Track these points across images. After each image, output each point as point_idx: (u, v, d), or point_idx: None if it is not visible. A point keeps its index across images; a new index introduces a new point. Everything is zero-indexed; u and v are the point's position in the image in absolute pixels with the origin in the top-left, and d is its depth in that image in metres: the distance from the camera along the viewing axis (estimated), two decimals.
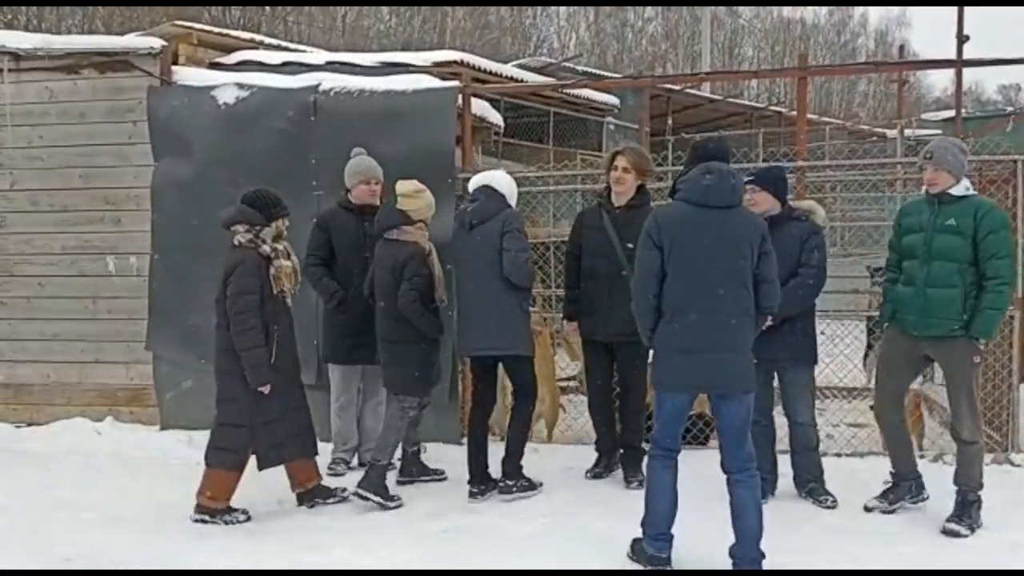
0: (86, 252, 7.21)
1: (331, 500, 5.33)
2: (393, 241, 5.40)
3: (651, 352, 4.37)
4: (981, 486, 4.82)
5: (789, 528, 4.79)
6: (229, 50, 8.06)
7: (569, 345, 6.87)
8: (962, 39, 8.57)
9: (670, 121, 17.20)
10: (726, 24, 46.74)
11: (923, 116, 23.03)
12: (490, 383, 5.62)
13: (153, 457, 6.39)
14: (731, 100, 20.55)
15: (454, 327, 5.69)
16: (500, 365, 5.63)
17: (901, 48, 22.87)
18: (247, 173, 6.60)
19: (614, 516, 4.76)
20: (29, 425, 7.18)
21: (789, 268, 5.08)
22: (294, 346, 5.25)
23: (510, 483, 5.43)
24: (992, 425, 6.26)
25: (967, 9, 8.51)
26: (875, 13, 56.50)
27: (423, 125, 6.52)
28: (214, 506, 5.06)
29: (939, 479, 5.03)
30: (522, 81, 12.07)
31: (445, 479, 5.80)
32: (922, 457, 5.56)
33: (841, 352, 7.48)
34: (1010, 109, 20.04)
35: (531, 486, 5.48)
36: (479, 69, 10.57)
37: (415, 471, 5.83)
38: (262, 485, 5.68)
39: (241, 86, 6.91)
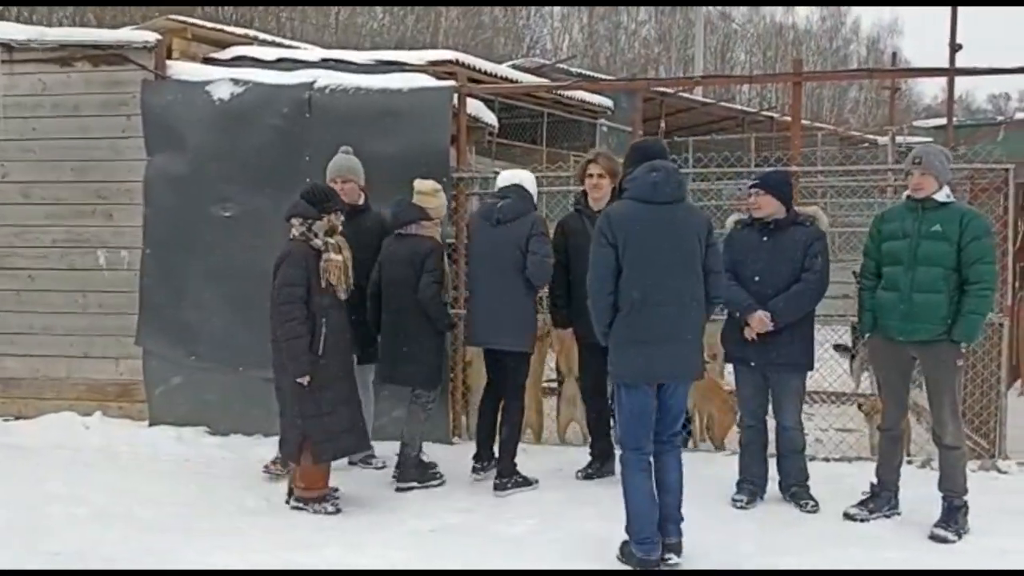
0: (77, 246, 7.17)
1: (322, 511, 5.17)
2: (411, 236, 5.53)
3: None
4: (966, 491, 4.85)
5: (777, 530, 4.84)
6: (223, 45, 8.05)
7: (564, 351, 6.78)
8: (955, 47, 8.63)
9: (663, 124, 17.25)
10: (719, 28, 46.86)
11: (915, 123, 23.14)
12: (502, 373, 5.71)
13: (142, 453, 6.35)
14: (723, 104, 20.62)
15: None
16: None
17: (894, 55, 22.93)
18: (241, 169, 6.60)
19: (604, 517, 4.77)
20: (17, 419, 7.13)
21: (792, 273, 5.11)
22: (347, 340, 5.26)
23: (505, 480, 5.52)
24: (980, 432, 6.30)
25: (959, 19, 8.57)
26: (867, 20, 56.82)
27: (419, 124, 6.52)
28: (309, 495, 5.16)
29: (926, 485, 5.06)
30: (517, 82, 12.08)
31: (443, 483, 5.72)
32: (910, 463, 5.59)
33: (831, 357, 7.51)
34: (1000, 118, 20.16)
35: (526, 482, 5.57)
36: (474, 69, 10.60)
37: (415, 477, 5.67)
38: (249, 483, 5.69)
39: (236, 82, 6.88)
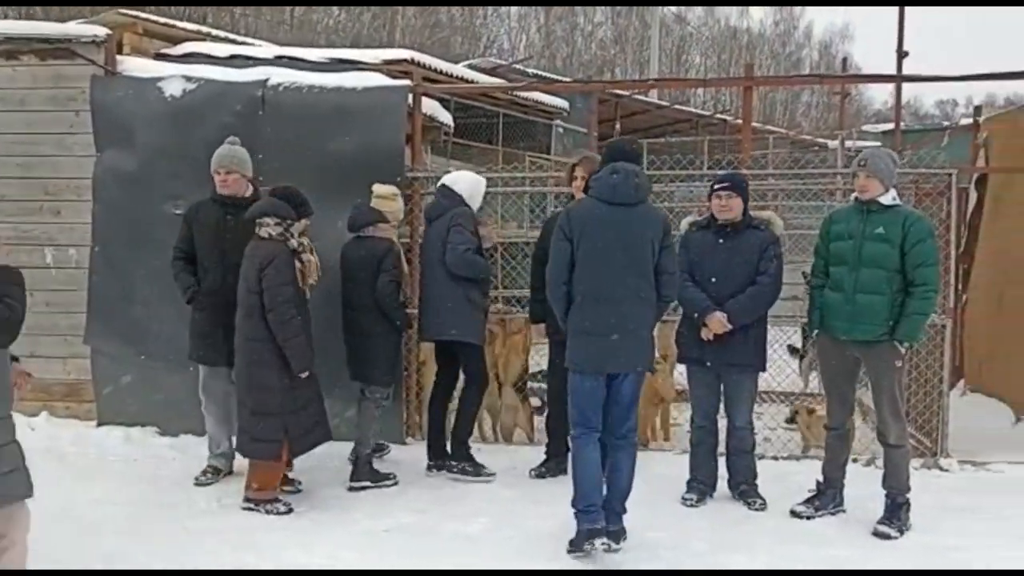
0: (24, 243, 6.99)
1: (274, 511, 5.15)
2: (367, 238, 5.67)
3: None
4: (909, 488, 4.97)
5: (727, 528, 4.92)
6: (175, 41, 7.94)
7: (503, 358, 6.84)
8: (902, 55, 8.79)
9: (618, 126, 17.36)
10: (674, 31, 47.29)
11: (864, 127, 23.56)
12: (450, 367, 5.94)
13: (89, 454, 6.25)
14: (678, 107, 20.83)
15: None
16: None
17: (844, 61, 23.27)
18: (192, 166, 6.49)
19: (558, 515, 4.79)
20: None
21: (748, 275, 5.21)
22: (311, 337, 5.30)
23: (454, 463, 5.77)
24: (923, 431, 6.46)
25: (907, 26, 8.73)
26: (819, 25, 57.89)
27: (373, 123, 6.50)
28: (261, 497, 5.16)
29: (870, 482, 5.17)
30: (473, 82, 12.09)
31: (396, 483, 5.70)
32: (855, 461, 5.71)
33: (780, 357, 7.63)
34: (947, 124, 20.61)
35: (475, 472, 5.74)
36: (430, 68, 10.58)
37: (368, 476, 5.65)
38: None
39: (188, 78, 6.79)
